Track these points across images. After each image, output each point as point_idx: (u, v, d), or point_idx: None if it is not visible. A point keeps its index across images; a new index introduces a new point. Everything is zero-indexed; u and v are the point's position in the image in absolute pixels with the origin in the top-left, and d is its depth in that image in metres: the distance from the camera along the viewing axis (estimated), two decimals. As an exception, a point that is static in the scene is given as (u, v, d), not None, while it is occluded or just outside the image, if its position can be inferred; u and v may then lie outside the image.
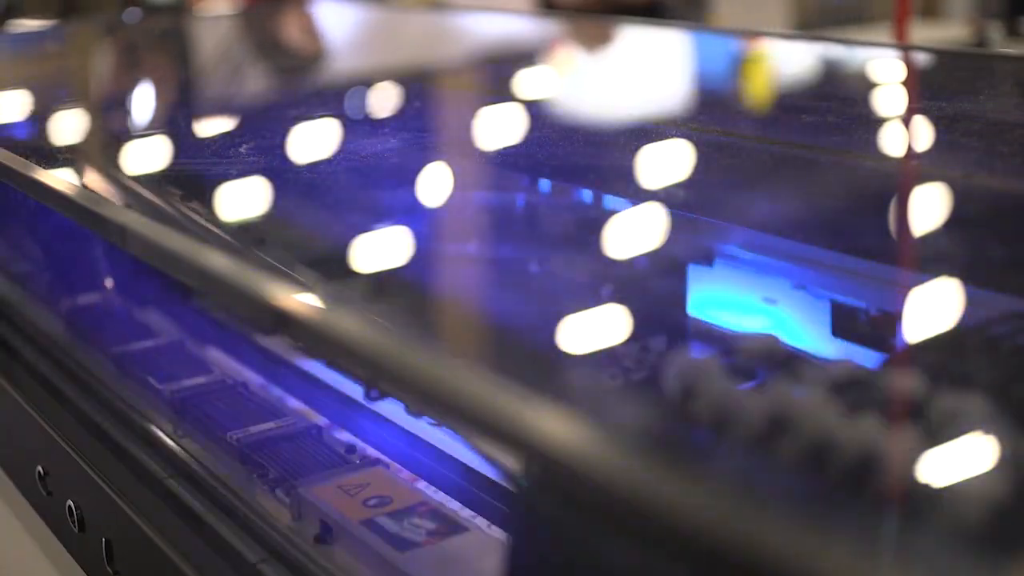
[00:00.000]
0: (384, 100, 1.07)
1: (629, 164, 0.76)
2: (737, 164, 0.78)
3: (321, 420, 0.70)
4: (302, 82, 1.22)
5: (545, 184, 0.80)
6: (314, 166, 0.82)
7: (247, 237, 0.71)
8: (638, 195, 0.74)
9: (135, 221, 0.53)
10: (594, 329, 0.72)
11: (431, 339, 0.82)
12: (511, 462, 0.42)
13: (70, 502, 0.65)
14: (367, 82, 1.18)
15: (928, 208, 0.67)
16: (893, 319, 0.72)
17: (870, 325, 0.74)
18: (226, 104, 1.10)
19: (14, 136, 0.94)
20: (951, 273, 0.61)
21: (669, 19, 2.84)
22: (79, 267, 0.91)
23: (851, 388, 0.57)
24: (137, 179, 0.79)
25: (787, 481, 0.39)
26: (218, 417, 0.69)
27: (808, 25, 3.38)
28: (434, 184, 0.80)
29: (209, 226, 0.78)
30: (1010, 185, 0.68)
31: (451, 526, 0.54)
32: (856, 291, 0.74)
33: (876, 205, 0.70)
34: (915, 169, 0.74)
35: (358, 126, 0.95)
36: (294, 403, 0.73)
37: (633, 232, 0.76)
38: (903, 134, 0.81)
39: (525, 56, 1.28)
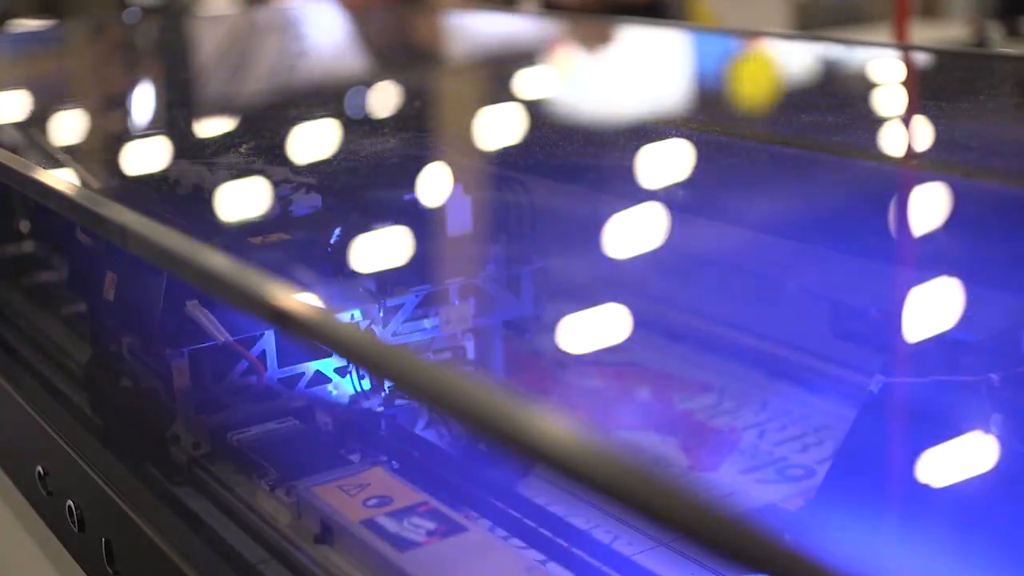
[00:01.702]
0: (383, 100, 1.07)
1: (629, 163, 0.76)
2: (737, 163, 0.78)
3: (321, 420, 0.70)
4: (302, 82, 1.22)
5: (546, 184, 0.80)
6: (313, 167, 0.82)
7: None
8: (638, 194, 0.74)
9: (135, 221, 0.53)
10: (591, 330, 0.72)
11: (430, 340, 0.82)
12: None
13: (70, 502, 0.65)
14: (366, 82, 1.18)
15: (928, 208, 0.67)
16: (892, 318, 0.72)
17: (870, 324, 0.74)
18: (225, 104, 1.11)
19: (14, 136, 0.94)
20: (951, 273, 0.61)
21: (669, 19, 2.84)
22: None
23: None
24: (139, 179, 0.79)
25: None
26: (218, 418, 0.69)
27: (808, 25, 3.38)
28: (435, 184, 0.80)
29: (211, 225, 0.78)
30: (1010, 185, 0.68)
31: (451, 526, 0.54)
32: (856, 290, 0.74)
33: (876, 205, 0.70)
34: (915, 169, 0.74)
35: (356, 126, 0.95)
36: (294, 403, 0.73)
37: (633, 231, 0.76)
38: (903, 134, 0.81)
39: (524, 56, 1.28)
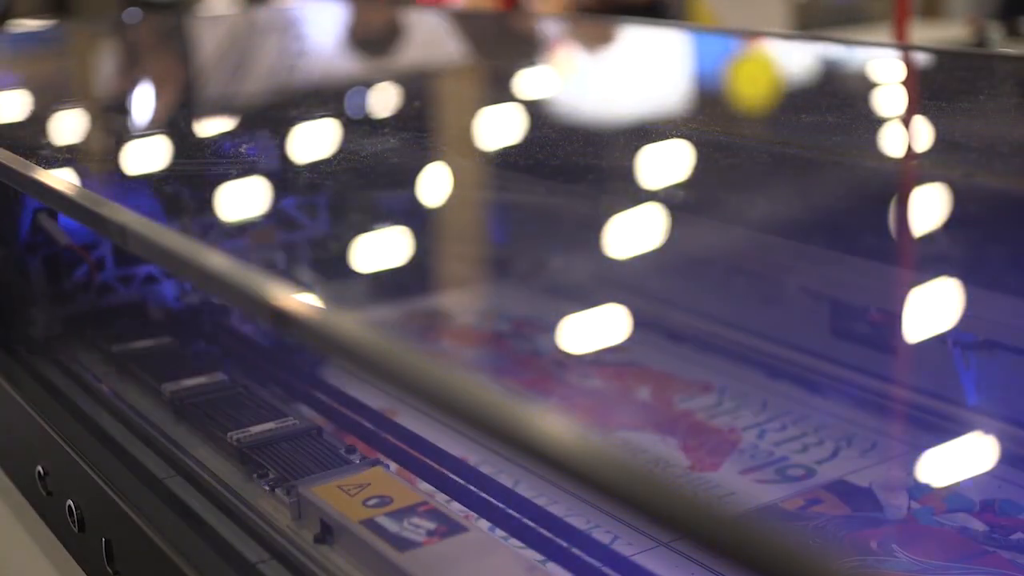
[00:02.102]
0: (383, 100, 1.07)
1: (629, 164, 0.76)
2: (737, 164, 0.78)
3: (321, 420, 0.70)
4: (302, 82, 1.22)
5: (545, 184, 0.80)
6: (314, 166, 0.82)
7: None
8: (638, 195, 0.74)
9: (135, 221, 0.53)
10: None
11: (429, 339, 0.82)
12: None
13: (70, 502, 0.65)
14: (367, 82, 1.18)
15: (928, 208, 0.67)
16: (893, 318, 0.72)
17: (870, 324, 0.74)
18: (227, 104, 1.10)
19: (14, 136, 0.94)
20: (951, 273, 0.61)
21: (669, 19, 2.84)
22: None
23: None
24: (139, 179, 0.79)
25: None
26: (218, 417, 0.69)
27: (808, 25, 3.38)
28: (434, 184, 0.80)
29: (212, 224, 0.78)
30: (1010, 185, 0.68)
31: (451, 526, 0.54)
32: (857, 290, 0.74)
33: (876, 205, 0.70)
34: (915, 169, 0.74)
35: (357, 126, 0.95)
36: (294, 403, 0.73)
37: (634, 231, 0.76)
38: (903, 134, 0.81)
39: (523, 56, 1.28)
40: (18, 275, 0.83)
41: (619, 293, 0.86)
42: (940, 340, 0.66)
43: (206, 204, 0.78)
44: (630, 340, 0.83)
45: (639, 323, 0.84)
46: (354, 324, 0.40)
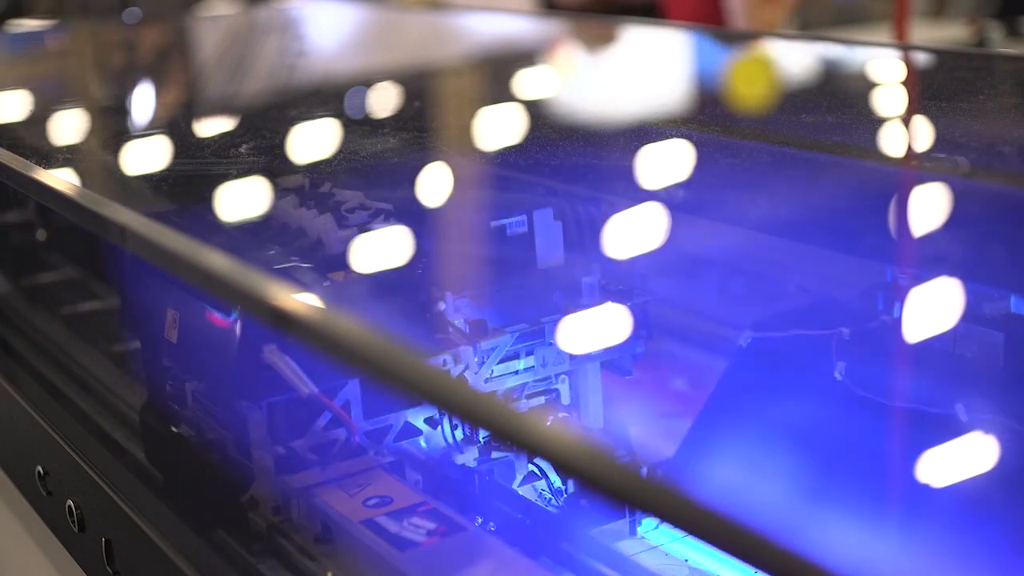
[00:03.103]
0: (384, 100, 1.07)
1: (630, 164, 0.76)
2: (737, 164, 0.78)
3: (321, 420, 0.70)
4: (302, 82, 1.22)
5: (546, 185, 0.80)
6: (314, 166, 0.82)
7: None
8: (639, 195, 0.74)
9: (135, 221, 0.53)
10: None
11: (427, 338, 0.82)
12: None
13: (70, 502, 0.65)
14: (367, 82, 1.18)
15: (928, 208, 0.67)
16: (893, 318, 0.72)
17: (870, 324, 0.74)
18: (226, 104, 1.10)
19: (14, 136, 0.94)
20: (951, 273, 0.61)
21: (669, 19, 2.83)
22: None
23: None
24: (138, 179, 0.79)
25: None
26: (218, 416, 0.68)
27: (808, 25, 3.38)
28: (434, 184, 0.80)
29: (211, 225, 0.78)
30: (1010, 185, 0.68)
31: (451, 526, 0.54)
32: (856, 290, 0.74)
33: (876, 205, 0.70)
34: (915, 169, 0.74)
35: (358, 126, 0.95)
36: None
37: (634, 232, 0.76)
38: (902, 134, 0.81)
39: (525, 56, 1.28)
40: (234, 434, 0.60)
41: (637, 291, 0.86)
42: (962, 334, 0.66)
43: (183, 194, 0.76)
44: (654, 335, 0.83)
45: (654, 320, 0.84)
46: (354, 324, 0.40)
